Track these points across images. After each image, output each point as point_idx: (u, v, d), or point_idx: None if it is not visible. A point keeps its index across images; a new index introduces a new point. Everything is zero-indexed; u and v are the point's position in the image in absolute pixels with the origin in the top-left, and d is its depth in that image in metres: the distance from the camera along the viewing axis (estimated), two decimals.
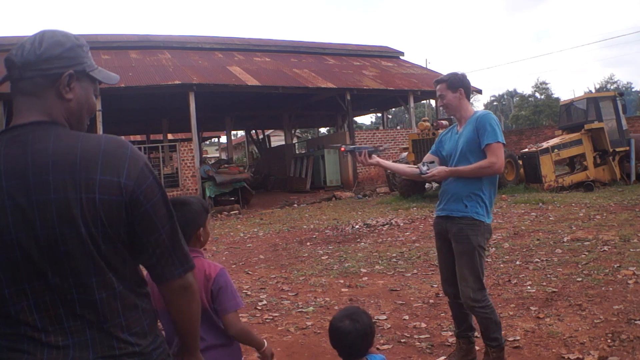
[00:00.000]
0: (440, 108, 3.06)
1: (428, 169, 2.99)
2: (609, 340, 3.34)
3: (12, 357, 1.09)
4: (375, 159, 3.15)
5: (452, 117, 3.18)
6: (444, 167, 2.99)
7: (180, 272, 1.20)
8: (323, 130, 37.79)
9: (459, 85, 3.02)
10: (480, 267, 2.93)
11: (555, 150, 12.73)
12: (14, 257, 1.07)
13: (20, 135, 1.10)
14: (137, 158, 1.14)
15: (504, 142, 2.93)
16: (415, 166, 3.22)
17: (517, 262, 5.68)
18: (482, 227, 2.93)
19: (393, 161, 16.13)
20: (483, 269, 2.97)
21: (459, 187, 2.96)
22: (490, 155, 2.87)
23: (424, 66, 29.24)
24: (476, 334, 3.23)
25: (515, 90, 64.96)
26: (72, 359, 1.09)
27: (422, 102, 27.55)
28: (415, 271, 5.75)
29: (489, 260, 5.94)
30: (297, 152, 25.23)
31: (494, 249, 6.49)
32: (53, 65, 1.14)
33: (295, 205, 15.53)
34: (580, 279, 4.80)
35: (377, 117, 51.19)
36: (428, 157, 3.25)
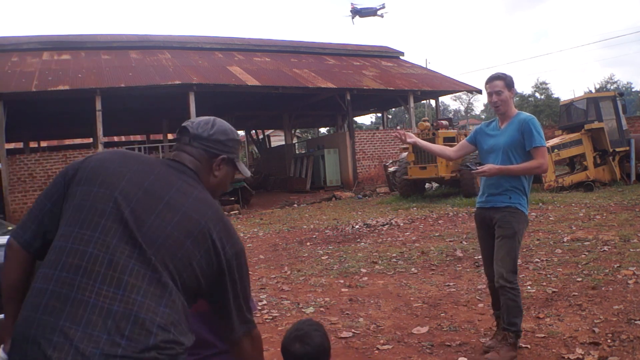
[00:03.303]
0: (493, 103, 3.33)
1: (477, 166, 3.29)
2: (609, 340, 3.34)
3: (54, 305, 1.17)
4: (413, 138, 3.49)
5: (498, 112, 3.38)
6: (493, 165, 3.22)
7: (235, 336, 1.43)
8: (323, 130, 37.78)
9: (512, 85, 3.33)
10: (516, 252, 3.21)
11: (555, 150, 12.72)
12: (120, 217, 1.25)
13: (180, 169, 1.41)
14: (241, 244, 1.40)
15: (546, 146, 3.27)
16: (464, 165, 3.49)
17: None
18: (523, 216, 3.23)
19: (393, 161, 16.16)
20: (518, 254, 3.27)
21: (503, 181, 3.23)
22: (538, 157, 3.18)
23: (424, 66, 29.24)
24: None
25: (515, 90, 64.95)
26: (109, 326, 1.16)
27: (422, 102, 27.55)
28: (415, 271, 5.75)
29: None
30: (297, 152, 25.23)
31: None
32: (215, 147, 1.48)
33: (295, 205, 15.53)
34: (580, 279, 4.80)
35: (377, 117, 51.17)
36: (463, 144, 3.56)
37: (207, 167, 1.47)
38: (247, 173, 1.62)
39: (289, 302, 4.87)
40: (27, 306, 1.21)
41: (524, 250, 6.23)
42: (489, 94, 3.36)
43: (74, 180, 1.32)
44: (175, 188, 1.33)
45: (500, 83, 3.28)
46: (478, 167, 3.24)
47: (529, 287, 4.71)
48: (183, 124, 1.50)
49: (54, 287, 1.18)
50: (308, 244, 8.26)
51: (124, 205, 1.26)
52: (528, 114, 3.36)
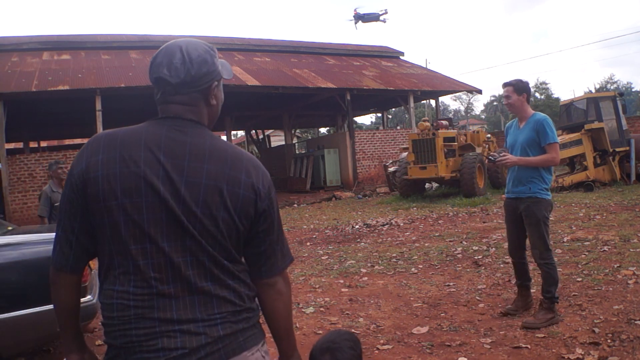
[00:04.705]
0: (504, 104, 4.04)
1: (498, 156, 3.80)
2: (609, 340, 3.34)
3: (142, 313, 1.21)
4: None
5: (511, 112, 4.01)
6: (512, 156, 3.77)
7: (276, 272, 1.41)
8: (323, 130, 37.76)
9: (523, 90, 3.83)
10: (545, 234, 3.77)
11: (559, 155, 12.69)
12: (158, 216, 1.23)
13: (181, 127, 1.31)
14: (268, 174, 1.41)
15: (558, 142, 3.81)
16: (488, 157, 4.08)
17: None
18: (544, 202, 3.76)
19: (393, 161, 16.16)
20: (549, 234, 3.82)
21: (523, 173, 3.78)
22: (551, 151, 3.75)
23: (424, 66, 29.23)
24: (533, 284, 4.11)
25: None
26: (198, 311, 1.24)
27: (422, 102, 27.54)
28: (415, 271, 5.75)
29: (489, 260, 5.94)
30: (297, 152, 25.22)
31: (494, 249, 6.48)
32: (203, 82, 1.34)
33: (295, 205, 15.53)
34: (580, 279, 4.80)
35: (377, 117, 51.17)
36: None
37: (203, 103, 1.36)
38: (231, 74, 1.46)
39: None
40: (115, 321, 1.25)
41: None
42: (503, 98, 3.97)
43: (87, 194, 1.25)
44: (187, 158, 1.26)
45: (510, 89, 3.82)
46: (502, 155, 3.78)
47: None
48: (156, 75, 1.33)
49: (135, 301, 1.23)
50: (308, 244, 8.27)
51: (155, 205, 1.23)
52: (542, 114, 3.87)
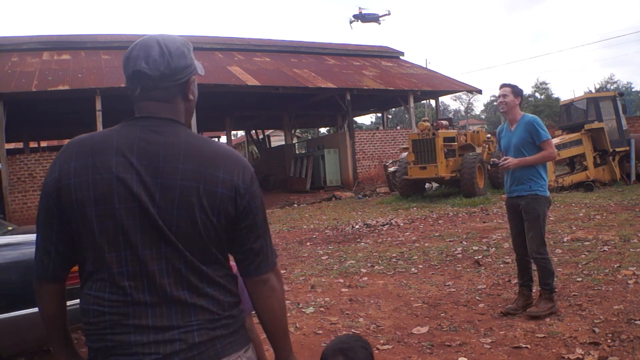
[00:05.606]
0: (499, 104, 4.31)
1: (499, 161, 4.03)
2: (609, 340, 3.34)
3: (118, 319, 1.20)
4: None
5: (502, 114, 4.35)
6: (513, 158, 3.99)
7: (268, 269, 1.36)
8: (323, 130, 37.76)
9: (519, 94, 4.17)
10: (542, 229, 3.97)
11: (555, 150, 12.70)
12: (132, 223, 1.20)
13: (155, 126, 1.26)
14: (249, 167, 1.33)
15: (550, 137, 4.05)
16: (490, 162, 4.34)
17: None
18: (542, 199, 3.98)
19: (393, 161, 16.16)
20: (545, 230, 4.02)
21: (522, 173, 4.00)
22: (548, 148, 3.99)
23: (424, 66, 29.23)
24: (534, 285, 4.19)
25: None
26: (174, 319, 1.21)
27: (422, 102, 27.54)
28: (415, 271, 5.75)
29: (489, 260, 5.94)
30: (297, 152, 25.23)
31: (494, 249, 6.48)
32: (182, 75, 1.30)
33: (295, 205, 15.54)
34: (580, 279, 4.80)
35: (377, 117, 51.16)
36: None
37: (180, 98, 1.32)
38: (203, 70, 1.43)
39: (289, 302, 4.86)
40: (92, 326, 1.24)
41: None
42: (498, 97, 4.19)
43: (62, 202, 1.23)
44: (161, 159, 1.21)
45: (508, 89, 4.11)
46: (504, 159, 4.01)
47: None
48: (135, 69, 1.27)
49: (110, 307, 1.21)
50: (308, 244, 8.27)
51: (129, 211, 1.20)
52: (531, 115, 4.14)
